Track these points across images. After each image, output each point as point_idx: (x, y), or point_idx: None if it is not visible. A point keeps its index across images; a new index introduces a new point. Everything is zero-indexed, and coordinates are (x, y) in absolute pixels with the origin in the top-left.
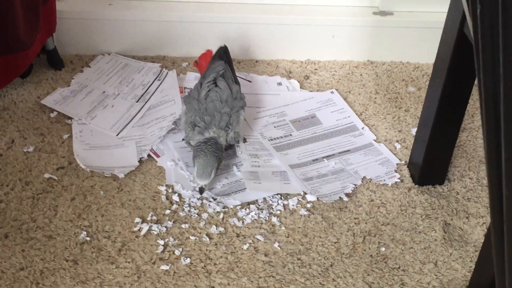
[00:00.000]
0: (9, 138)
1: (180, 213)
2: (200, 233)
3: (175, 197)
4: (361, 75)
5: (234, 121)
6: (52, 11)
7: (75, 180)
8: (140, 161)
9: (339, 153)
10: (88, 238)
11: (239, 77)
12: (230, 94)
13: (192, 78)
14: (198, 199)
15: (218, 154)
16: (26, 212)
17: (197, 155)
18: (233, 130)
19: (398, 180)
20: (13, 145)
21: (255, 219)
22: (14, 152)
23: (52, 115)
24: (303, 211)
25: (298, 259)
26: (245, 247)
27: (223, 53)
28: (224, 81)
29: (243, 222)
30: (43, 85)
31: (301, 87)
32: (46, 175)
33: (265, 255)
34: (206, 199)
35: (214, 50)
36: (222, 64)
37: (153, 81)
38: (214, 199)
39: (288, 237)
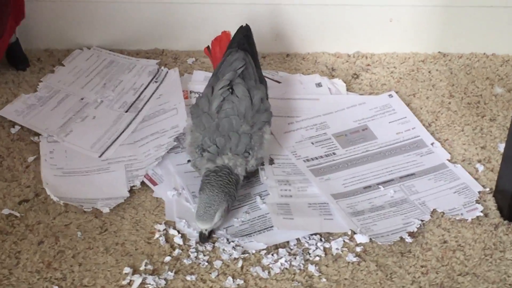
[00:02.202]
0: None
1: (185, 261)
2: (211, 287)
3: (178, 239)
4: (429, 72)
5: (256, 143)
6: None
7: (44, 217)
8: (131, 190)
9: (400, 177)
10: None
11: (264, 76)
12: (249, 105)
13: (201, 79)
14: (200, 243)
15: (230, 190)
16: None
17: (202, 188)
18: (255, 156)
19: (481, 214)
20: None
21: (286, 268)
22: None
23: (13, 130)
24: (351, 257)
25: None
26: None
27: (243, 37)
28: (242, 85)
29: (269, 273)
30: (1, 90)
31: (348, 90)
32: (5, 211)
33: None
34: (218, 240)
35: (233, 33)
36: (241, 57)
37: (148, 84)
38: (230, 241)
39: None
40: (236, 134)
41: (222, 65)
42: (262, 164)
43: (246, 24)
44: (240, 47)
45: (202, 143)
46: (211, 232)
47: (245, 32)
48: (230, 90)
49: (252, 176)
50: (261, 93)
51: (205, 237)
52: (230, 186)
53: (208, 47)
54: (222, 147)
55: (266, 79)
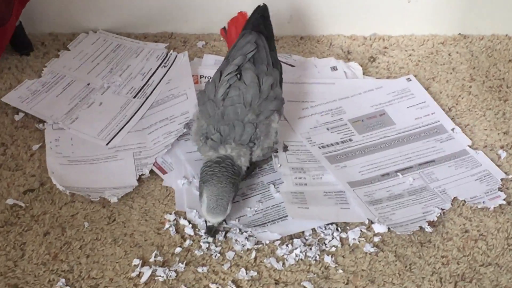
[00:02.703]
0: None
1: (196, 252)
2: (224, 279)
3: (189, 230)
4: (449, 54)
5: (262, 133)
6: None
7: (50, 207)
8: (140, 179)
9: (420, 164)
10: None
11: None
12: (257, 92)
13: (212, 63)
14: (208, 235)
15: (235, 182)
16: None
17: (207, 180)
18: (261, 146)
19: (504, 202)
20: None
21: (301, 259)
22: None
23: (16, 117)
24: (368, 247)
25: None
26: None
27: (259, 18)
28: (252, 70)
29: (283, 264)
30: (4, 76)
31: (364, 73)
32: (10, 201)
33: None
34: (230, 230)
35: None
36: (253, 40)
37: (157, 68)
38: (243, 232)
39: (347, 283)
40: (240, 124)
41: (234, 49)
42: (276, 151)
43: (264, 4)
44: (255, 29)
45: (207, 131)
46: (219, 225)
47: (261, 13)
48: (239, 75)
49: (264, 164)
50: (272, 79)
51: (216, 231)
52: (235, 178)
53: (224, 28)
54: (225, 136)
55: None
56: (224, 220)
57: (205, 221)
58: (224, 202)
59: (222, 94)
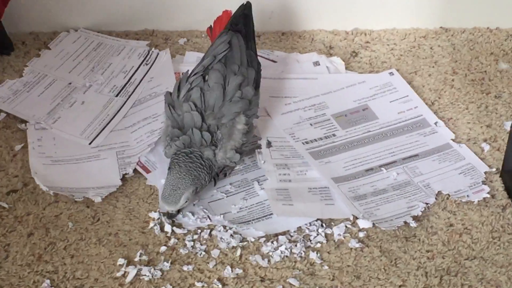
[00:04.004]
0: None
1: (181, 250)
2: (209, 277)
3: (173, 228)
4: (431, 48)
5: (224, 136)
6: None
7: (33, 208)
8: (124, 178)
9: (403, 159)
10: None
11: (259, 55)
12: (220, 95)
13: (194, 60)
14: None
15: (200, 174)
16: None
17: (170, 167)
18: (223, 148)
19: (488, 196)
20: None
21: (286, 256)
22: None
23: None
24: (353, 243)
25: None
26: None
27: (240, 15)
28: (218, 71)
29: (269, 261)
30: None
31: (346, 68)
32: None
33: None
34: (215, 228)
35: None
36: (227, 40)
37: (139, 66)
38: (228, 229)
39: (333, 280)
40: (197, 131)
41: (209, 49)
42: (259, 147)
43: (248, 2)
44: (233, 28)
45: (171, 133)
46: (179, 210)
47: (243, 9)
48: (206, 77)
49: (248, 155)
50: (240, 78)
51: (173, 215)
52: (201, 170)
53: (210, 27)
54: (187, 144)
55: (262, 58)
56: (179, 211)
57: None
58: (177, 194)
59: (183, 95)
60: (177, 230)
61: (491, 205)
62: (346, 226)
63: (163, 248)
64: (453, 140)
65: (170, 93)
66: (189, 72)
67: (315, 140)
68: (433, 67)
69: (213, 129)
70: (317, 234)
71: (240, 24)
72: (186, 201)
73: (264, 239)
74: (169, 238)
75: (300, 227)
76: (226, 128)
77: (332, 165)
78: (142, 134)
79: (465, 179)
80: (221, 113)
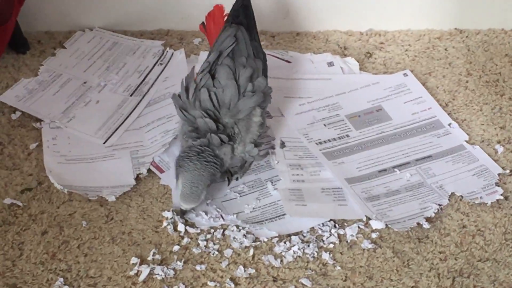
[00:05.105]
0: None
1: (194, 250)
2: (222, 277)
3: (187, 227)
4: (446, 49)
5: (242, 130)
6: None
7: (47, 206)
8: (138, 178)
9: (417, 160)
10: (66, 287)
11: (273, 56)
12: (235, 91)
13: None
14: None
15: (213, 169)
16: None
17: (183, 165)
18: (242, 142)
19: (501, 198)
20: None
21: (299, 256)
22: None
23: (13, 116)
24: (366, 244)
25: None
26: None
27: (240, 8)
28: (228, 65)
29: (281, 261)
30: (0, 75)
31: (361, 69)
32: (7, 200)
33: None
34: (228, 227)
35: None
36: (233, 34)
37: (154, 66)
38: (241, 229)
39: (345, 280)
40: (215, 136)
41: (215, 44)
42: (273, 147)
43: None
44: (234, 20)
45: (187, 135)
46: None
47: (243, 1)
48: (211, 75)
49: (262, 159)
50: (250, 70)
51: (186, 212)
52: (215, 167)
53: (203, 23)
54: (205, 145)
55: (276, 58)
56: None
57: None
58: (198, 190)
59: (192, 95)
60: (190, 230)
61: (504, 206)
62: (359, 227)
63: (176, 248)
64: (466, 141)
65: (178, 95)
66: (194, 70)
67: (329, 140)
68: (447, 68)
69: (230, 125)
70: (330, 235)
71: (241, 16)
72: (203, 197)
73: (277, 239)
74: (182, 238)
75: (313, 227)
76: (243, 122)
77: (346, 165)
78: (156, 134)
79: (478, 181)
80: (236, 109)
